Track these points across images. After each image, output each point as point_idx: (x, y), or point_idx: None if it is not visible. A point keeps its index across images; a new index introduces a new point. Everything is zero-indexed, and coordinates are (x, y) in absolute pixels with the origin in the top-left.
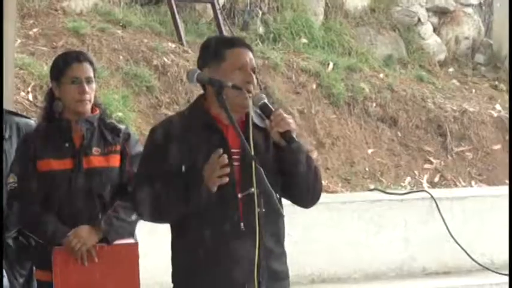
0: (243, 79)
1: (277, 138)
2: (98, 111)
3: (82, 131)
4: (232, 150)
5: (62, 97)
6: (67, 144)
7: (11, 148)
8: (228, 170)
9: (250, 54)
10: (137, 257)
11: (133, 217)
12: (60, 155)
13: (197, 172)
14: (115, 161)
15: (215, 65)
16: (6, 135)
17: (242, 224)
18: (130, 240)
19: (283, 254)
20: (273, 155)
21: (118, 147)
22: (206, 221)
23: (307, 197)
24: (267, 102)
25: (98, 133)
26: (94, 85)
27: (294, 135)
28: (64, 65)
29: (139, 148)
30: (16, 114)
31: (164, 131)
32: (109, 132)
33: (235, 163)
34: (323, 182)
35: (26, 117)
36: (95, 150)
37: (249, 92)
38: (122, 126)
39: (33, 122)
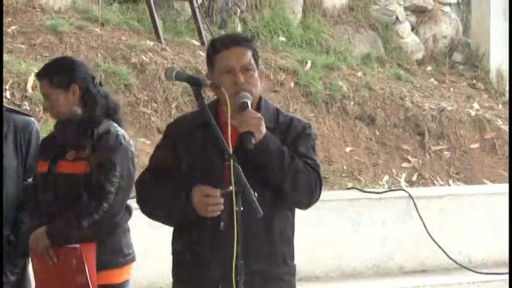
0: (230, 82)
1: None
2: (83, 113)
3: (59, 135)
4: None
5: None
6: (52, 148)
7: (6, 146)
8: (221, 207)
9: (241, 52)
10: (80, 260)
11: (85, 224)
12: (44, 157)
13: (189, 180)
14: (81, 167)
15: (210, 71)
16: (3, 132)
17: (222, 224)
18: (75, 245)
19: (277, 256)
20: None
21: (87, 153)
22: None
23: (294, 198)
24: (247, 102)
25: (76, 137)
26: (57, 96)
27: (253, 139)
28: None
29: (109, 155)
30: (15, 111)
31: (173, 128)
32: (86, 136)
33: (227, 162)
34: None
35: (26, 114)
36: (69, 155)
37: (236, 93)
38: (101, 130)
39: (33, 119)
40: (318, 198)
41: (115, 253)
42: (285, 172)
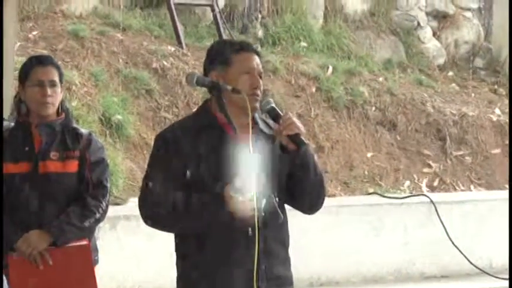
0: (250, 85)
1: (286, 142)
2: (62, 116)
3: (41, 135)
4: None
5: (26, 100)
6: (27, 148)
7: None
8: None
9: (257, 59)
10: (90, 256)
11: (87, 223)
12: (18, 158)
13: (213, 189)
14: (72, 166)
15: (222, 70)
16: None
17: (250, 229)
18: (82, 242)
19: (287, 260)
20: (279, 161)
21: (77, 153)
22: (212, 227)
23: (312, 202)
24: (275, 106)
25: (59, 138)
26: (59, 89)
27: (303, 139)
28: (29, 68)
29: (101, 154)
30: None
31: (171, 137)
32: (70, 137)
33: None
34: None
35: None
36: (53, 155)
37: (256, 96)
38: (85, 132)
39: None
40: None
41: (94, 250)
42: (317, 176)
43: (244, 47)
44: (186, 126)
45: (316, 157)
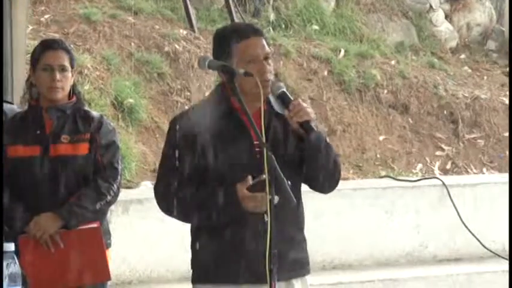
0: (257, 71)
1: (296, 129)
2: (73, 99)
3: (52, 119)
4: (256, 143)
5: (37, 84)
6: (38, 131)
7: None
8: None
9: (261, 41)
10: (101, 239)
11: (98, 206)
12: (29, 141)
13: (228, 178)
14: (83, 149)
15: (227, 61)
16: None
17: (264, 215)
18: (93, 225)
19: (302, 242)
20: (293, 143)
21: (88, 136)
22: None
23: (325, 184)
24: (286, 91)
25: (70, 121)
26: (69, 74)
27: (313, 125)
28: (39, 53)
29: (113, 137)
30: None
31: (187, 122)
32: (81, 120)
33: (258, 155)
34: None
35: (9, 102)
36: (64, 137)
37: (265, 80)
38: (96, 115)
39: (15, 107)
40: None
41: (107, 234)
42: (329, 159)
43: (243, 35)
44: (203, 113)
45: (327, 140)
